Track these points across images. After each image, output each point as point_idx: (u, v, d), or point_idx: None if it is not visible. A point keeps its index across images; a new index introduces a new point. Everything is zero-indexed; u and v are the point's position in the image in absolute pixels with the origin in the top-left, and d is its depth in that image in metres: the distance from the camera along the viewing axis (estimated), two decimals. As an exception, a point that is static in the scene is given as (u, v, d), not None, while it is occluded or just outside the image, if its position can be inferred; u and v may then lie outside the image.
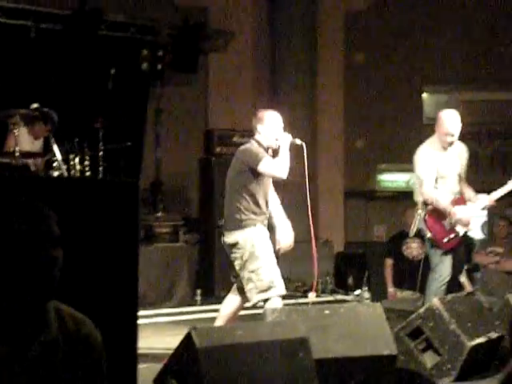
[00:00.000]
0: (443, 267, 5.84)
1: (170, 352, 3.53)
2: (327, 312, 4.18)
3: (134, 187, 2.50)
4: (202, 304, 7.91)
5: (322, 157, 10.12)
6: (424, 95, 10.42)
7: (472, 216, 6.00)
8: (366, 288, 8.03)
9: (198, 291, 8.04)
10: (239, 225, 5.01)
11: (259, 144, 5.14)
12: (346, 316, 4.18)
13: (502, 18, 10.13)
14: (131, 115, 9.05)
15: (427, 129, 10.28)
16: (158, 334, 6.23)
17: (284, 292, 5.08)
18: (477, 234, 6.03)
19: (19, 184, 2.42)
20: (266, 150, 5.15)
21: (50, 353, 1.80)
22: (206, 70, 9.92)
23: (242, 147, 5.19)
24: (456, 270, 5.99)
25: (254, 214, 5.05)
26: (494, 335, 4.28)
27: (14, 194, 1.83)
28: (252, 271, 4.96)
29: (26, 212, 1.79)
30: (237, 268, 5.06)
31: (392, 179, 10.40)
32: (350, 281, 9.02)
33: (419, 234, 8.20)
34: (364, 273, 8.50)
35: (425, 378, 4.32)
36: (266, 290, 4.95)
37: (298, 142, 5.23)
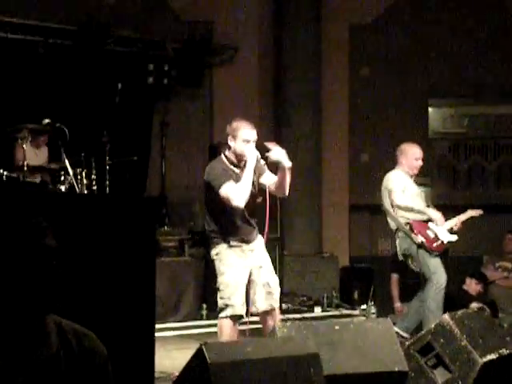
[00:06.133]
0: (438, 274, 6.02)
1: (177, 366, 3.52)
2: (337, 327, 4.16)
3: (152, 202, 2.50)
4: (207, 318, 7.89)
5: (327, 170, 10.12)
6: (430, 109, 10.43)
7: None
8: (372, 303, 8.02)
9: (204, 305, 8.03)
10: (214, 240, 5.01)
11: (227, 159, 5.01)
12: (356, 331, 4.16)
13: (509, 31, 10.16)
14: (137, 129, 9.08)
15: (433, 143, 10.35)
16: (164, 348, 6.21)
17: (241, 314, 4.94)
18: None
19: (24, 199, 2.42)
20: (236, 165, 5.00)
21: (50, 368, 1.78)
22: (211, 84, 9.95)
23: (209, 165, 5.10)
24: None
25: (228, 231, 4.98)
26: (505, 352, 4.25)
27: (13, 208, 1.81)
28: (218, 287, 4.98)
29: (22, 226, 1.79)
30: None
31: (397, 193, 10.37)
32: (356, 295, 9.00)
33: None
34: (370, 287, 8.48)
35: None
36: (222, 309, 4.94)
37: (274, 157, 4.95)
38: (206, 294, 8.32)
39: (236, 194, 4.84)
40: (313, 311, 8.55)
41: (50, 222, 1.80)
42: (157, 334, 6.80)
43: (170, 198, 9.21)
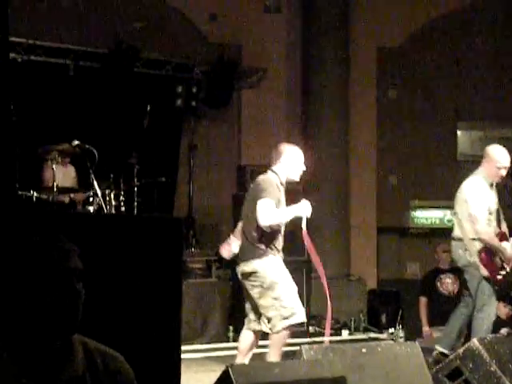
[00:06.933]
0: (490, 307, 5.79)
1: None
2: (364, 351, 4.12)
3: (178, 224, 2.52)
4: (234, 340, 7.86)
5: (355, 193, 10.09)
6: (458, 132, 10.37)
7: None
8: (400, 326, 7.94)
9: (231, 327, 8.00)
10: (258, 254, 5.04)
11: (276, 175, 5.15)
12: (384, 355, 4.12)
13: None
14: (165, 151, 9.15)
15: (462, 165, 10.27)
16: (190, 370, 6.18)
17: (304, 319, 5.10)
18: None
19: (51, 220, 2.44)
20: (281, 183, 5.14)
21: None
22: (238, 106, 10.01)
23: (260, 178, 5.21)
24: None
25: (272, 244, 5.06)
26: (535, 378, 4.19)
27: (39, 230, 1.83)
28: (275, 298, 5.00)
29: (48, 246, 1.80)
30: (256, 296, 5.08)
31: (425, 216, 10.32)
32: (384, 319, 8.92)
33: (452, 269, 8.15)
34: (397, 311, 8.40)
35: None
36: (288, 317, 4.99)
37: (304, 226, 5.16)
38: (232, 316, 8.31)
39: (269, 215, 4.96)
40: (340, 334, 8.49)
41: (77, 242, 1.81)
42: (183, 356, 6.78)
43: (198, 219, 9.23)
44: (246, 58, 9.91)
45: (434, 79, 10.29)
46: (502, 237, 5.94)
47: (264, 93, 9.97)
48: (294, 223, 5.24)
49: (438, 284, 8.13)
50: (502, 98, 10.17)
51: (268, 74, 9.94)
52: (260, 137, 9.79)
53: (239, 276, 5.21)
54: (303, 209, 5.11)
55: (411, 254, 10.22)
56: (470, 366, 4.19)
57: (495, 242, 5.86)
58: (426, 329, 7.97)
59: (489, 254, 5.86)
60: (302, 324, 5.16)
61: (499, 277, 5.84)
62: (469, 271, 5.97)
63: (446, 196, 10.31)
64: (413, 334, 7.74)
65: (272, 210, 4.97)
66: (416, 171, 10.26)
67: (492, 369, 4.09)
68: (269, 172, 5.22)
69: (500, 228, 5.99)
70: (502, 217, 6.06)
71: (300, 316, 5.02)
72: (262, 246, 5.06)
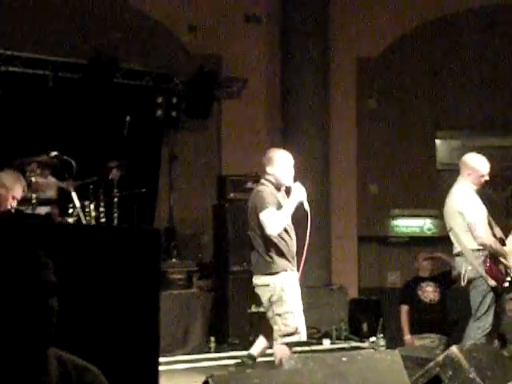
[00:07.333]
0: (488, 317, 5.78)
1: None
2: (344, 359, 4.13)
3: (156, 234, 2.51)
4: (215, 351, 7.85)
5: (335, 202, 10.12)
6: (437, 141, 10.45)
7: None
8: (381, 335, 7.96)
9: (212, 338, 7.98)
10: (270, 269, 5.09)
11: (272, 184, 5.20)
12: (364, 363, 4.13)
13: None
14: (145, 161, 9.13)
15: (441, 174, 10.35)
16: (172, 381, 6.17)
17: (305, 339, 5.18)
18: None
19: (26, 232, 2.43)
20: (278, 188, 5.17)
21: None
22: (219, 116, 10.02)
23: (256, 190, 5.26)
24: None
25: (284, 256, 5.09)
26: (513, 384, 4.21)
27: (13, 242, 1.82)
28: (278, 314, 5.05)
29: (22, 260, 1.80)
30: (264, 305, 5.17)
31: (406, 224, 10.37)
32: (365, 327, 8.94)
33: (433, 278, 8.18)
34: (379, 319, 8.42)
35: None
36: (289, 335, 5.05)
37: (306, 207, 5.21)
38: (214, 327, 8.29)
39: (275, 222, 5.01)
40: (321, 344, 8.49)
41: (53, 254, 1.81)
42: (165, 367, 6.77)
43: (179, 230, 9.22)
44: (226, 69, 9.93)
45: (412, 89, 10.36)
46: (499, 242, 5.97)
47: (244, 103, 9.99)
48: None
49: (419, 292, 8.16)
50: (480, 107, 10.26)
51: (248, 84, 9.97)
52: (240, 147, 9.81)
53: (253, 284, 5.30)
54: (298, 193, 5.14)
55: (392, 263, 10.27)
56: (450, 373, 4.21)
57: (497, 245, 5.83)
58: (407, 337, 7.99)
59: (493, 263, 5.84)
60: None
61: (505, 284, 5.84)
62: (475, 284, 5.87)
63: (425, 205, 10.41)
64: (394, 342, 7.76)
65: (275, 217, 5.02)
66: (396, 180, 10.31)
67: (471, 376, 4.11)
68: (262, 181, 5.28)
69: (494, 234, 6.01)
70: (493, 223, 6.08)
71: (301, 336, 5.10)
72: (275, 259, 5.10)
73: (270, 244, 5.11)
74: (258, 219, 5.09)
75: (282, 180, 5.22)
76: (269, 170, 5.21)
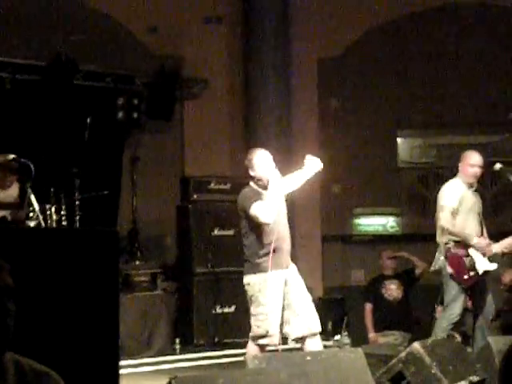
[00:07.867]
0: (456, 306, 5.86)
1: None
2: (308, 358, 4.16)
3: (114, 236, 2.49)
4: (181, 353, 7.82)
5: (299, 202, 10.13)
6: (398, 139, 10.54)
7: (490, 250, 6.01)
8: (346, 333, 7.99)
9: (177, 340, 7.96)
10: (253, 268, 5.17)
11: (257, 184, 5.32)
12: (328, 362, 4.16)
13: (476, 61, 10.32)
14: (107, 163, 9.06)
15: (402, 172, 10.44)
16: (137, 383, 6.14)
17: (276, 344, 5.16)
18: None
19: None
20: (265, 187, 5.27)
21: None
22: (181, 117, 9.98)
23: (241, 192, 5.40)
24: (487, 313, 5.99)
25: (267, 256, 5.11)
26: (475, 379, 4.27)
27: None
28: (253, 315, 5.07)
29: None
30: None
31: (368, 223, 10.45)
32: (329, 326, 8.96)
33: (396, 275, 8.27)
34: (343, 318, 8.46)
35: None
36: (260, 337, 5.09)
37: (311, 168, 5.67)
38: (179, 329, 8.26)
39: (264, 211, 5.09)
40: (286, 343, 8.50)
41: (9, 257, 1.78)
42: (130, 370, 6.74)
43: (142, 231, 9.16)
44: (187, 69, 9.90)
45: (374, 88, 10.43)
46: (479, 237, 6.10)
47: (206, 103, 9.96)
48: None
49: (383, 290, 8.23)
50: (441, 106, 10.37)
51: (210, 85, 9.94)
52: (203, 148, 9.78)
53: None
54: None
55: (355, 261, 10.31)
56: (412, 369, 4.26)
57: (455, 229, 5.96)
58: (371, 335, 8.06)
59: (457, 254, 5.94)
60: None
61: (466, 277, 5.90)
62: (443, 272, 6.05)
63: (388, 203, 10.49)
64: (358, 340, 7.80)
65: (263, 206, 5.12)
66: (358, 179, 10.37)
67: (433, 371, 4.16)
68: (249, 183, 5.41)
69: (482, 233, 6.13)
70: (483, 222, 6.20)
71: (271, 340, 5.11)
72: (254, 260, 5.18)
73: (250, 245, 5.21)
74: (243, 219, 5.22)
75: (264, 180, 5.32)
76: (251, 173, 5.37)
